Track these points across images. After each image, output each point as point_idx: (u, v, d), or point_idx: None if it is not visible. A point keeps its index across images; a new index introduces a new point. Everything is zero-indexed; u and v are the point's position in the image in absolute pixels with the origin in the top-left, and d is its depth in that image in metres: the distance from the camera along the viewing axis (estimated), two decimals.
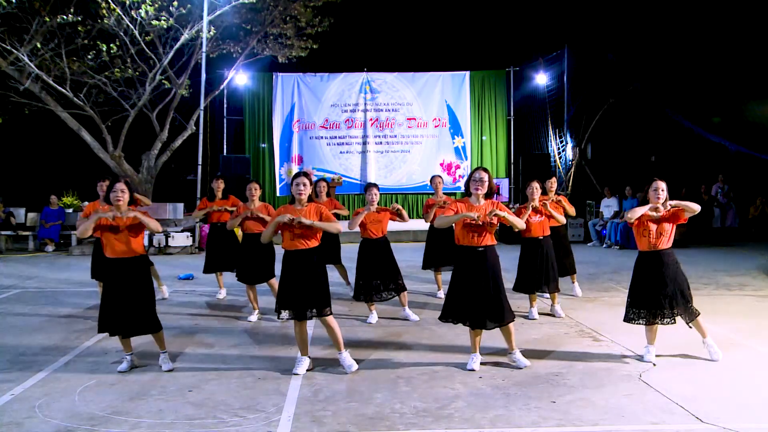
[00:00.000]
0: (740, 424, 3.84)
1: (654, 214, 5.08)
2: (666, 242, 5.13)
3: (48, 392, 4.53)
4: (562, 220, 6.95)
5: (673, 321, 5.14)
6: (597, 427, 3.87)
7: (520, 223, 5.11)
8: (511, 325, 5.03)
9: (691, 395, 4.35)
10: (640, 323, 5.21)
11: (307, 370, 4.97)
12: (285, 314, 4.91)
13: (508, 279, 5.41)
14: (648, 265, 5.13)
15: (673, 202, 5.12)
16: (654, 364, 5.08)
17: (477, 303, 4.90)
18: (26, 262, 11.93)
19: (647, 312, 5.13)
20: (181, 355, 5.51)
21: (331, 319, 5.00)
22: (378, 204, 6.71)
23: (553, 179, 7.65)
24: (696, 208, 5.05)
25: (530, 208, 6.70)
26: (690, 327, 5.23)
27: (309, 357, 5.07)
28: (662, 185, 5.14)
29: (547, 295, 7.50)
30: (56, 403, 4.30)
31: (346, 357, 5.04)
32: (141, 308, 4.94)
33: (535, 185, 6.78)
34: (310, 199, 5.00)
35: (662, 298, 5.06)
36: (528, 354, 5.43)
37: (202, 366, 5.18)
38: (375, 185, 6.81)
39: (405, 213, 6.70)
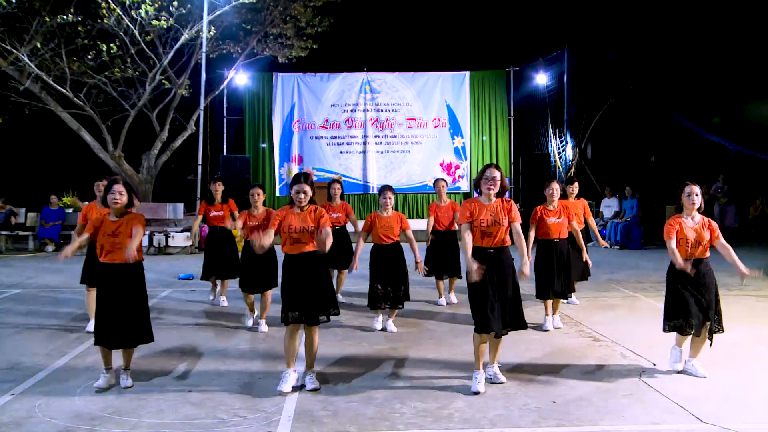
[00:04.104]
0: (740, 424, 3.84)
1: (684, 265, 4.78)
2: (704, 252, 4.95)
3: (48, 392, 4.52)
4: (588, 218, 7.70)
5: (703, 331, 4.83)
6: (597, 427, 3.87)
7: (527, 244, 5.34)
8: (502, 338, 4.72)
9: (691, 395, 4.35)
10: (686, 332, 4.80)
11: (293, 388, 4.51)
12: (293, 317, 4.54)
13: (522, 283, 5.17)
14: (684, 273, 4.80)
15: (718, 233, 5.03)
16: (654, 364, 5.08)
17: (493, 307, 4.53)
18: (26, 262, 11.93)
19: (684, 322, 4.77)
20: (182, 355, 5.50)
21: (317, 329, 4.68)
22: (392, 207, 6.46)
23: (576, 185, 7.52)
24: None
25: (550, 208, 6.46)
26: (711, 344, 4.88)
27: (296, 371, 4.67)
28: (696, 189, 4.89)
29: (577, 302, 7.50)
30: (56, 403, 4.29)
31: (314, 377, 4.66)
32: (136, 318, 4.68)
33: (555, 186, 6.46)
34: (312, 202, 4.84)
35: (698, 308, 4.76)
36: (528, 355, 5.43)
37: (202, 366, 5.17)
38: (390, 188, 6.47)
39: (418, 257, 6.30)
